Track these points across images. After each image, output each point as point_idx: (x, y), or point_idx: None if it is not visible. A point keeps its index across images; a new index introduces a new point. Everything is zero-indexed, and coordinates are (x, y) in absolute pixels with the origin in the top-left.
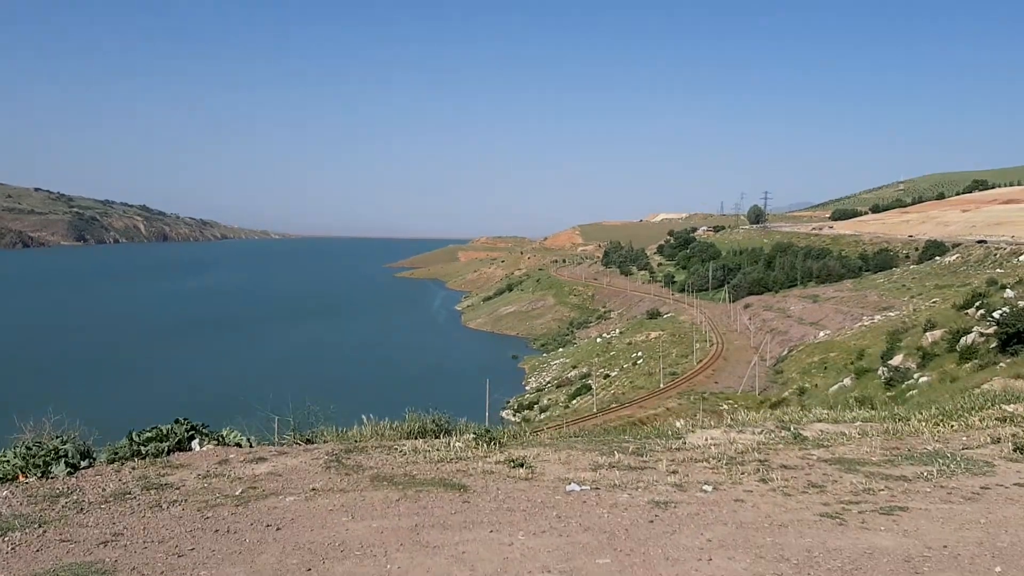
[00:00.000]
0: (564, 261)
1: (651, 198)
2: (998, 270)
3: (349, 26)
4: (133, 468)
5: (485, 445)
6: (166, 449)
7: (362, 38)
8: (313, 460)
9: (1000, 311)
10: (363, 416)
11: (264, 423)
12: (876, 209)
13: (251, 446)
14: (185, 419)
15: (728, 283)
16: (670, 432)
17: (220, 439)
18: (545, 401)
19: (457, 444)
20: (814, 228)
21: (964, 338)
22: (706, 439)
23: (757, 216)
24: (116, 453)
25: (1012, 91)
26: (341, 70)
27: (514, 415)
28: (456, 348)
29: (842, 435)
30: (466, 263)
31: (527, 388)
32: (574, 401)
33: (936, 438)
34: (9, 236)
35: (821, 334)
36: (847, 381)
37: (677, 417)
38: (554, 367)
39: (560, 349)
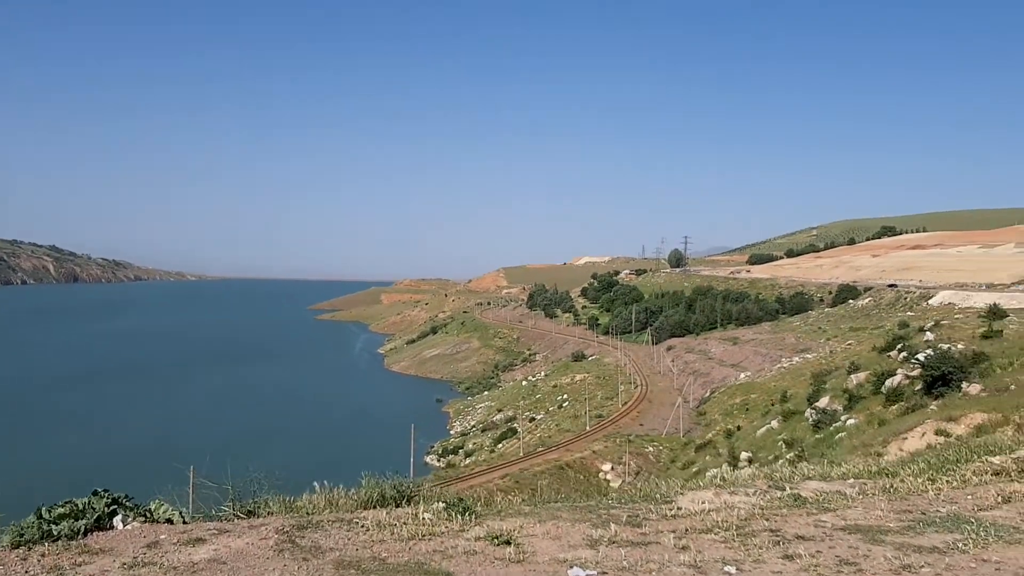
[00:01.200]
0: (489, 304)
1: (574, 242)
2: (908, 313)
3: (270, 69)
4: (42, 556)
5: (459, 516)
6: (82, 529)
7: (288, 79)
8: (261, 541)
9: (924, 353)
10: (315, 484)
11: (194, 487)
12: (791, 254)
13: (184, 521)
14: (105, 490)
15: (651, 325)
16: (658, 495)
17: (147, 514)
18: (470, 445)
19: (426, 515)
20: (732, 272)
21: (889, 380)
22: (699, 503)
23: (678, 260)
24: (22, 535)
25: (919, 139)
26: (257, 108)
27: (439, 460)
28: (380, 392)
29: (841, 495)
30: (389, 305)
31: (452, 432)
32: (500, 445)
33: (942, 497)
34: None
35: (742, 376)
36: (774, 423)
37: (604, 460)
38: (479, 410)
39: (485, 392)
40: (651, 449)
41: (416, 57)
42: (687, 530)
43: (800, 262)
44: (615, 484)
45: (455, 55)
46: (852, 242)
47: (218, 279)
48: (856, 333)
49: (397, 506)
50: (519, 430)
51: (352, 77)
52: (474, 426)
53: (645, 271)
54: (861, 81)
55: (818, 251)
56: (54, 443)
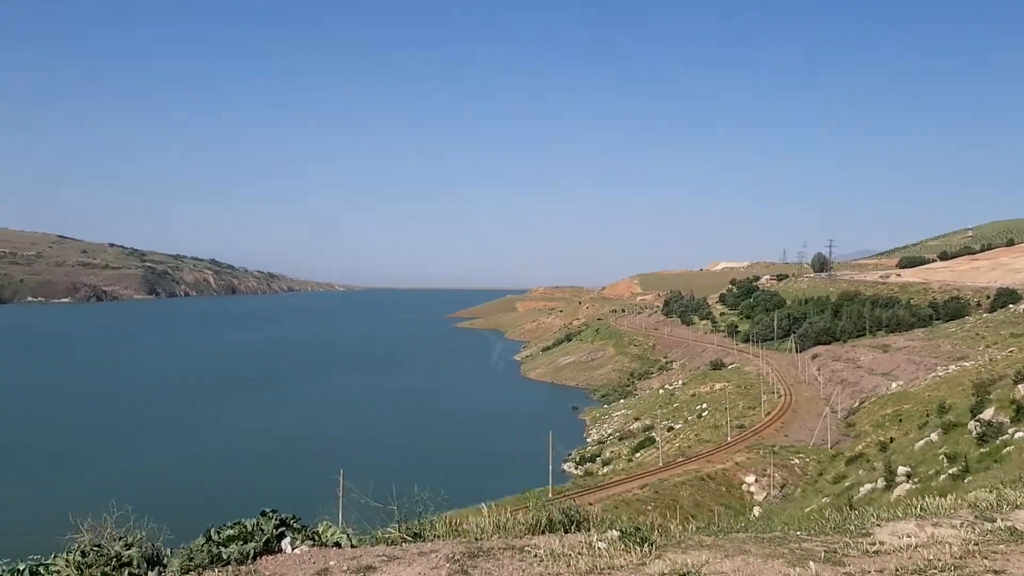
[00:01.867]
0: (623, 311)
1: (710, 247)
2: None
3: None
4: None
5: (637, 547)
6: (251, 552)
7: (425, 94)
8: (433, 571)
9: None
10: (483, 504)
11: (354, 504)
12: (944, 256)
13: (352, 545)
14: (272, 511)
15: (794, 333)
16: (852, 526)
17: (315, 537)
18: (608, 454)
19: (600, 545)
20: (881, 276)
21: None
22: (902, 536)
23: (822, 264)
24: (191, 559)
25: None
26: (406, 123)
27: (576, 468)
28: (516, 399)
29: None
30: (524, 313)
31: (588, 440)
32: (638, 454)
33: None
34: (84, 290)
35: (894, 385)
36: (934, 436)
37: (747, 472)
38: (616, 419)
39: (621, 400)
40: (797, 461)
41: (553, 60)
42: (897, 570)
43: (954, 265)
44: (759, 497)
45: (591, 57)
46: (1011, 243)
47: (364, 289)
48: (1018, 340)
49: (566, 531)
50: (657, 439)
51: (497, 80)
52: (611, 434)
53: (787, 276)
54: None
55: (973, 253)
56: (209, 444)
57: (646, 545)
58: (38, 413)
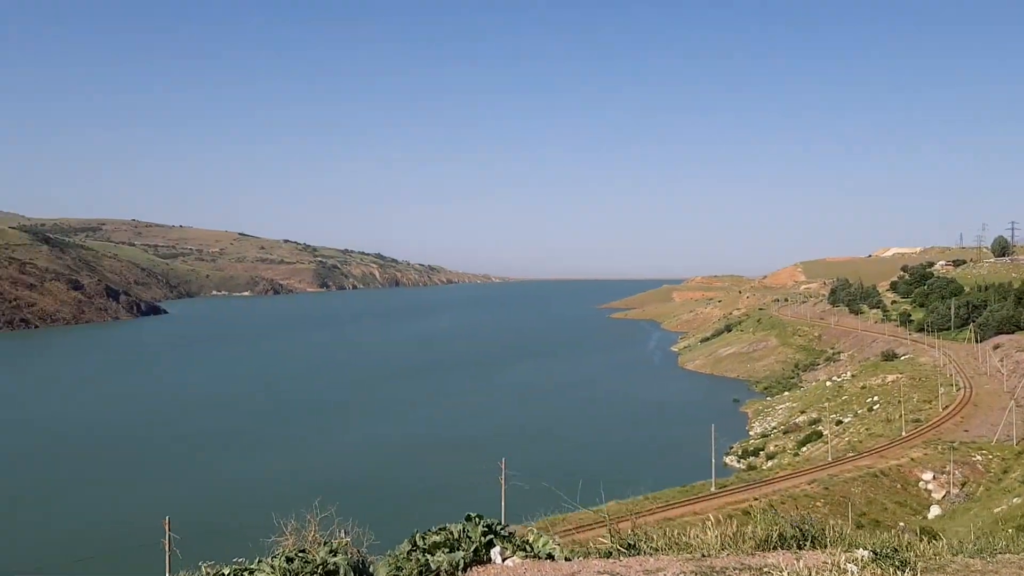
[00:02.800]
0: (786, 300)
1: (878, 232)
2: None
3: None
4: None
5: (895, 571)
6: (461, 563)
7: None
8: None
9: None
10: (644, 495)
11: (516, 491)
12: None
13: (567, 558)
14: (478, 516)
15: (973, 321)
16: None
17: (526, 547)
18: (772, 448)
19: (850, 567)
20: None
21: None
22: None
23: (1003, 248)
24: (399, 568)
25: None
26: (557, 113)
27: (738, 461)
28: (675, 390)
29: None
30: (681, 303)
31: (751, 433)
32: (804, 448)
33: None
34: (263, 284)
35: None
36: None
37: (923, 468)
38: (780, 411)
39: (785, 392)
40: (979, 458)
41: (706, 46)
42: None
43: None
44: (937, 495)
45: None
46: None
47: (519, 280)
48: None
49: (799, 547)
50: (825, 433)
51: (652, 62)
52: (775, 427)
53: (964, 262)
54: None
55: None
56: (375, 440)
57: (907, 570)
58: (240, 401)
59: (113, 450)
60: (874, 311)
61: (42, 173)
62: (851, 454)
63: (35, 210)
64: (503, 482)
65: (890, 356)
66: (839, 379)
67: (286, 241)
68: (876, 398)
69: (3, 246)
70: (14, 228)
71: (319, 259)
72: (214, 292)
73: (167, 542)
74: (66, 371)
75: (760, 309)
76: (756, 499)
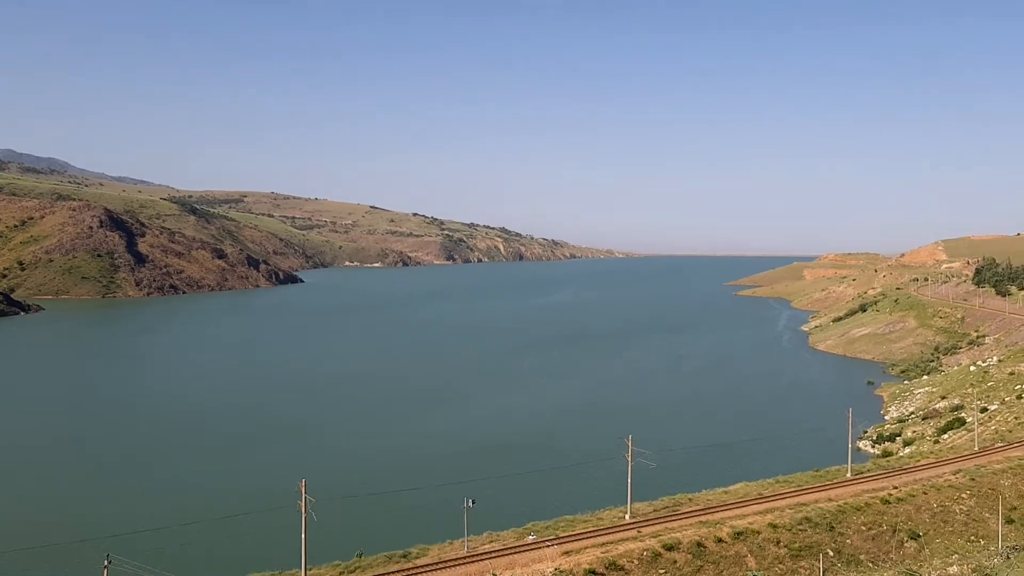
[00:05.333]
0: (925, 279)
1: None
2: None
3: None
4: None
5: None
6: None
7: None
8: None
9: None
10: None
11: (641, 469)
12: None
13: None
14: None
15: None
16: None
17: None
18: (909, 433)
19: None
20: None
21: None
22: None
23: None
24: None
25: None
26: (682, 88)
27: (873, 446)
28: (805, 371)
29: None
30: (812, 281)
31: (886, 418)
32: (944, 436)
33: None
34: (392, 255)
35: None
36: None
37: None
38: (918, 396)
39: (924, 376)
40: None
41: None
42: None
43: None
44: None
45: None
46: None
47: (643, 256)
48: None
49: None
50: (968, 421)
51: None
52: (912, 413)
53: None
54: None
55: None
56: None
57: None
58: (376, 369)
59: (259, 413)
60: (1023, 293)
61: (190, 148)
62: (1000, 444)
63: (183, 182)
64: (629, 459)
65: None
66: (984, 364)
67: (415, 214)
68: None
69: (155, 216)
70: (165, 199)
71: (446, 232)
72: (347, 263)
73: (303, 504)
74: (220, 334)
75: (897, 288)
76: (895, 488)
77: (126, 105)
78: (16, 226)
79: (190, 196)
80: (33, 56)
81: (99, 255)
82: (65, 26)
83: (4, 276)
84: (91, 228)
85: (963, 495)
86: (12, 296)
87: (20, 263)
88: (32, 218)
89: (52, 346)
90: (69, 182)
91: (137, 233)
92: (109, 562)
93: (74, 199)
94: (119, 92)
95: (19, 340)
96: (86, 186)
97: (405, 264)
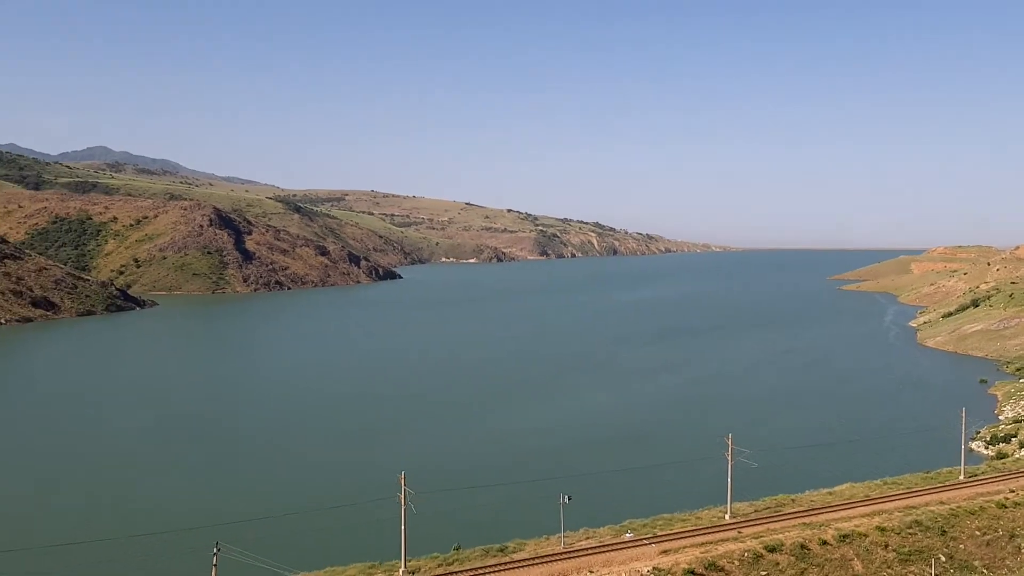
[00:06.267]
0: None
1: None
2: None
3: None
4: None
5: None
6: None
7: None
8: None
9: None
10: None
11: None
12: None
13: None
14: None
15: None
16: None
17: None
18: None
19: None
20: None
21: None
22: None
23: None
24: None
25: None
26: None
27: (986, 448)
28: (914, 368)
29: None
30: (920, 275)
31: (1001, 418)
32: None
33: None
34: (487, 251)
35: None
36: None
37: None
38: None
39: None
40: None
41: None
42: None
43: None
44: None
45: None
46: None
47: (741, 250)
48: None
49: None
50: None
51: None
52: None
53: None
54: None
55: None
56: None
57: None
58: (479, 362)
59: (363, 405)
60: None
61: (294, 148)
62: None
63: (288, 182)
64: (729, 458)
65: None
66: None
67: (509, 210)
68: None
69: (261, 214)
70: (270, 198)
71: (539, 228)
72: (443, 259)
73: (403, 496)
74: (324, 328)
75: (1012, 283)
76: (1012, 491)
77: (235, 108)
78: (132, 225)
79: (294, 195)
80: (146, 60)
81: (209, 252)
82: (178, 31)
83: (121, 273)
84: (201, 227)
85: None
86: (128, 292)
87: (136, 260)
88: (147, 217)
89: (167, 340)
90: (181, 182)
91: (244, 231)
92: (218, 549)
93: (185, 199)
94: (229, 96)
95: (136, 334)
96: (196, 186)
97: (499, 260)
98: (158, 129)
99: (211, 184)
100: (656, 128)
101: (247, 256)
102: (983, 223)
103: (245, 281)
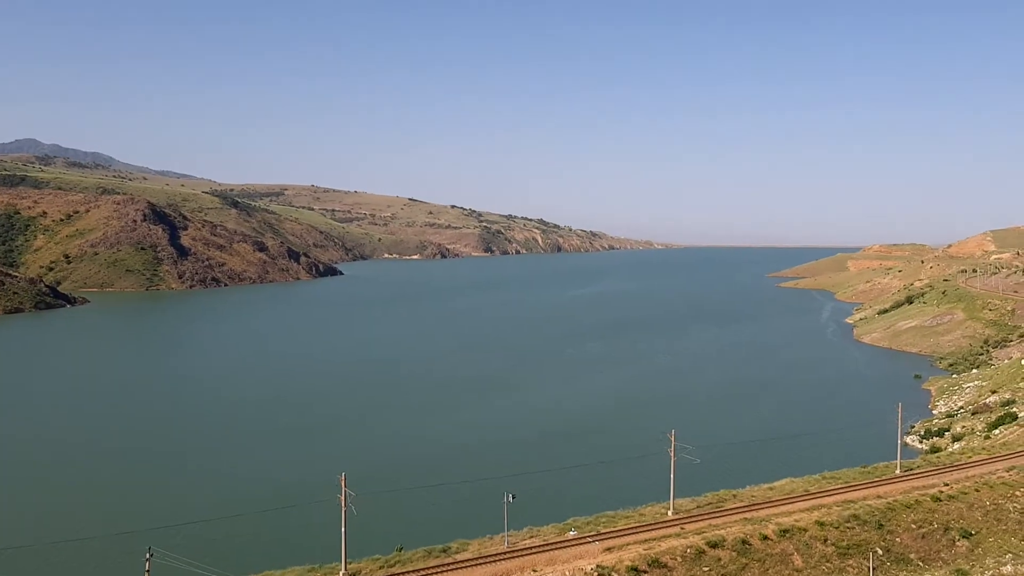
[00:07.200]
0: (973, 271)
1: None
2: None
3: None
4: None
5: None
6: None
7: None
8: None
9: None
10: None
11: (685, 465)
12: None
13: None
14: None
15: None
16: None
17: None
18: (958, 428)
19: None
20: None
21: None
22: None
23: None
24: None
25: None
26: (720, 82)
27: (920, 442)
28: (850, 364)
29: None
30: (856, 273)
31: (934, 412)
32: (995, 431)
33: None
34: (430, 248)
35: None
36: None
37: None
38: (967, 390)
39: (973, 370)
40: None
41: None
42: None
43: None
44: None
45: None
46: None
47: (682, 247)
48: None
49: None
50: (1021, 416)
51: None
52: (961, 407)
53: None
54: None
55: None
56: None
57: None
58: (415, 361)
59: (301, 405)
60: None
61: (232, 141)
62: None
63: (225, 176)
64: (672, 454)
65: None
66: None
67: (453, 206)
68: None
69: (197, 209)
70: (207, 193)
71: (484, 224)
72: (386, 255)
73: (343, 497)
74: (262, 327)
75: (945, 280)
76: (946, 485)
77: (168, 100)
78: (63, 220)
79: (231, 189)
80: (79, 52)
81: (143, 248)
82: (108, 22)
83: (51, 269)
84: (135, 221)
85: (1017, 492)
86: (58, 289)
87: (66, 256)
88: (78, 212)
89: (96, 338)
90: (114, 176)
91: (180, 226)
92: (151, 555)
93: (118, 193)
94: (162, 87)
95: (65, 333)
96: (130, 180)
97: (443, 256)
98: (90, 121)
99: (145, 178)
100: (599, 127)
101: (182, 252)
102: (917, 222)
103: (180, 278)
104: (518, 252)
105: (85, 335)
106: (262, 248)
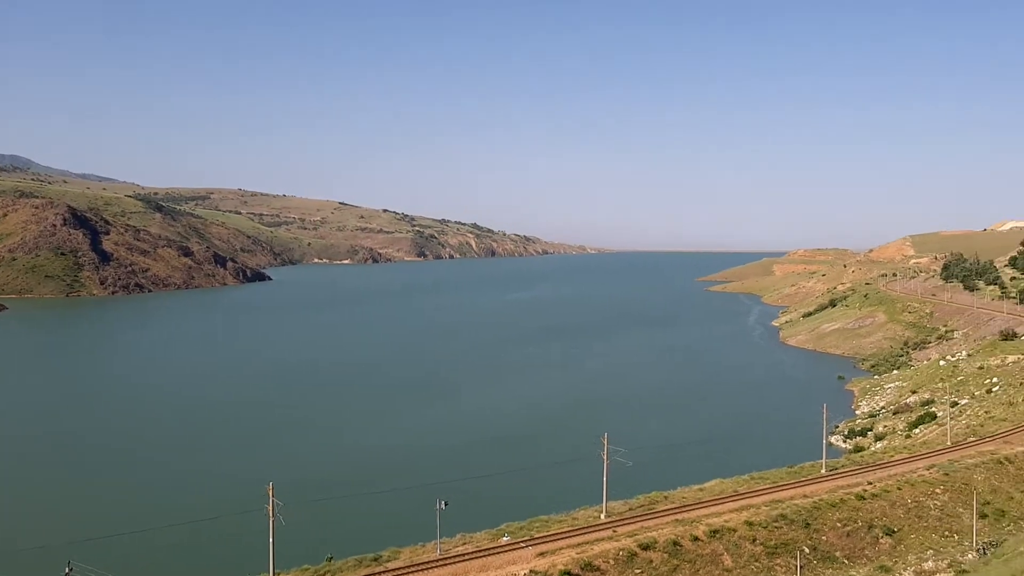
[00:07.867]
0: (894, 275)
1: (995, 205)
2: None
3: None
4: None
5: None
6: None
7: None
8: None
9: None
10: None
11: (618, 468)
12: None
13: None
14: None
15: None
16: None
17: None
18: (880, 428)
19: None
20: None
21: None
22: None
23: None
24: None
25: None
26: (645, 84)
27: (844, 441)
28: (776, 366)
29: None
30: (782, 277)
31: (857, 412)
32: (916, 430)
33: None
34: (362, 252)
35: None
36: None
37: None
38: (888, 391)
39: (894, 371)
40: None
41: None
42: None
43: None
44: None
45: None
46: None
47: (615, 252)
48: None
49: None
50: (940, 415)
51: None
52: (883, 407)
53: None
54: None
55: None
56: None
57: None
58: (343, 367)
59: (227, 413)
60: (991, 288)
61: (155, 144)
62: (972, 439)
63: (149, 180)
64: (605, 458)
65: (1009, 336)
66: (953, 359)
67: (385, 211)
68: (996, 379)
69: (119, 213)
70: (130, 196)
71: (417, 228)
72: (315, 260)
73: (271, 507)
74: (186, 333)
75: (866, 284)
76: (870, 484)
77: (89, 102)
78: None
79: (155, 193)
80: None
81: (63, 253)
82: (27, 25)
83: None
84: (54, 226)
85: (937, 490)
86: None
87: None
88: None
89: (13, 346)
90: (32, 179)
91: (101, 231)
92: (71, 569)
93: (37, 197)
94: (82, 89)
95: None
96: (49, 183)
97: (375, 261)
98: (7, 124)
99: (65, 182)
100: (532, 128)
101: (104, 257)
102: (840, 226)
103: (102, 283)
104: (452, 256)
105: (3, 342)
106: (187, 253)
